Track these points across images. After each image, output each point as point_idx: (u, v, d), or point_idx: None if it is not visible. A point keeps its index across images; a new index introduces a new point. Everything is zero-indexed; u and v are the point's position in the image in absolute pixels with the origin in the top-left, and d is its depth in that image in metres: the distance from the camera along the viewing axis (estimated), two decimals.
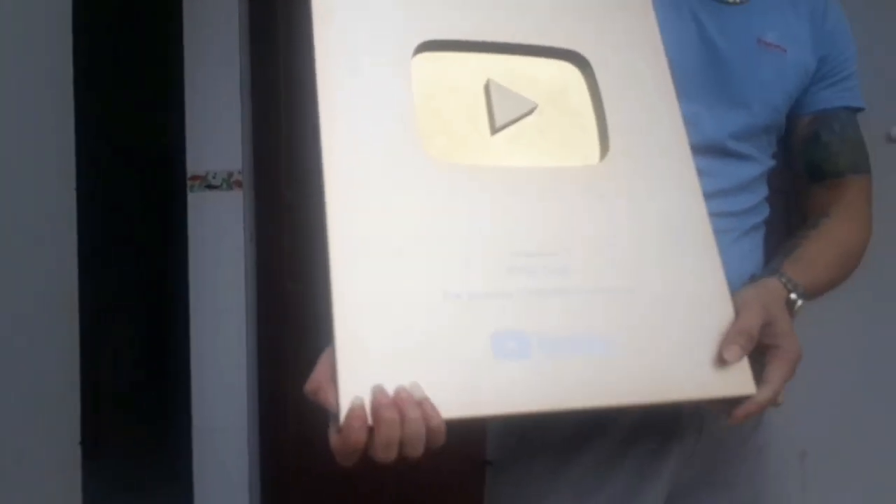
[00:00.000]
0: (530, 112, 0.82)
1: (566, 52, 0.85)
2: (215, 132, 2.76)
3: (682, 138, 0.86)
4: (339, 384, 0.67)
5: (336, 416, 0.67)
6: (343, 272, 0.69)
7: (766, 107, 1.03)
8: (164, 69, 3.18)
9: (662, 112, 0.86)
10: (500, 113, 0.81)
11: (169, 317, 3.44)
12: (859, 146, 1.10)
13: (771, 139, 1.07)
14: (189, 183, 2.77)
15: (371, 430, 0.66)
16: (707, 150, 0.95)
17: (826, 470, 2.18)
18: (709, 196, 0.84)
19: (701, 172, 0.85)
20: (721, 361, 0.77)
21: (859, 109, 1.10)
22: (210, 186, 2.75)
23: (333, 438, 0.67)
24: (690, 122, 0.87)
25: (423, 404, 0.66)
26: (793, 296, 0.90)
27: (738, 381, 0.77)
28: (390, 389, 0.67)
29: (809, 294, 0.91)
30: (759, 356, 0.80)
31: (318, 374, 0.70)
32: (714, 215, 0.84)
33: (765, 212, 1.07)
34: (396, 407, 0.66)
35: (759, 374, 0.79)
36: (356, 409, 0.66)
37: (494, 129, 0.80)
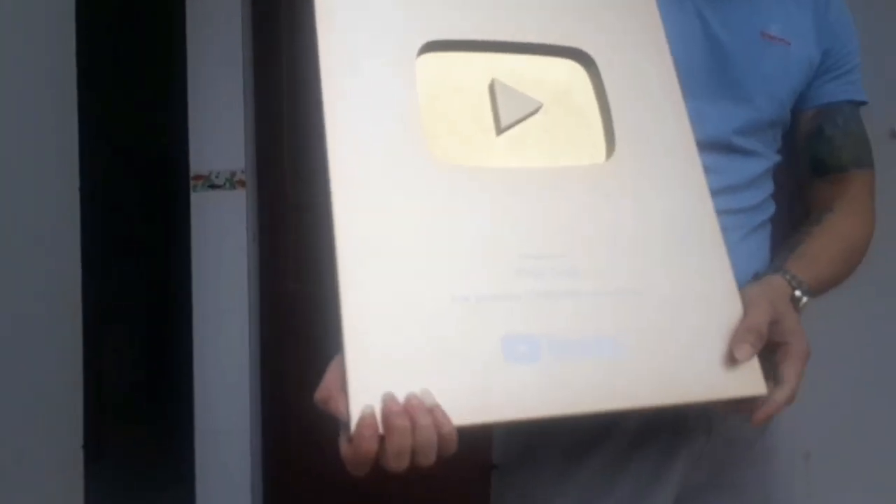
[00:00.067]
0: (536, 111, 0.81)
1: (571, 50, 0.85)
2: (218, 132, 2.76)
3: (689, 136, 0.85)
4: (348, 393, 0.66)
5: (347, 425, 0.66)
6: (351, 279, 0.69)
7: (770, 101, 1.02)
8: (167, 69, 3.18)
9: (668, 110, 0.86)
10: (506, 113, 0.80)
11: (171, 317, 3.44)
12: (863, 140, 1.10)
13: (776, 134, 1.07)
14: (192, 182, 2.77)
15: (382, 439, 0.65)
16: (712, 146, 0.94)
17: (830, 471, 2.17)
18: (715, 193, 0.84)
19: (707, 169, 0.85)
20: (732, 360, 0.76)
21: (862, 103, 1.10)
22: (213, 186, 2.75)
23: (344, 448, 0.66)
24: (695, 118, 0.87)
25: (434, 411, 0.65)
26: (797, 293, 0.89)
27: (748, 381, 0.76)
28: (401, 397, 0.66)
29: (814, 290, 0.91)
30: (770, 354, 0.79)
31: (327, 383, 0.69)
32: (721, 212, 0.83)
33: (771, 209, 1.07)
34: (407, 414, 0.65)
35: (767, 372, 0.78)
36: (367, 418, 0.64)
37: (500, 129, 0.80)
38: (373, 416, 0.65)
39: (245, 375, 2.75)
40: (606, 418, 0.82)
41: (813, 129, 1.08)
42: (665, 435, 0.96)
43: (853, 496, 2.25)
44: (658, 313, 0.76)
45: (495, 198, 0.76)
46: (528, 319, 0.72)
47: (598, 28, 0.86)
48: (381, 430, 0.65)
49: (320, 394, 0.69)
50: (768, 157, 1.06)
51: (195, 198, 2.77)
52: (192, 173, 2.77)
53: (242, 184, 2.74)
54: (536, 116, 0.81)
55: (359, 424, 0.65)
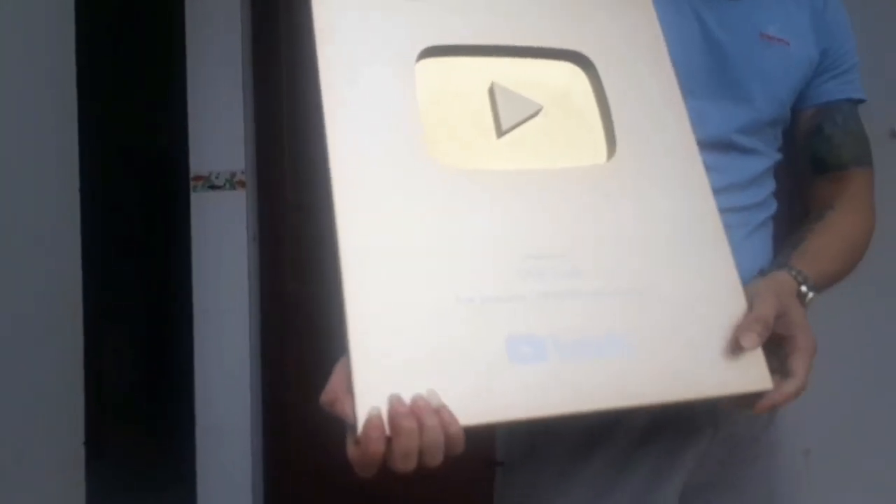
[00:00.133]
0: (536, 114, 0.82)
1: (570, 53, 0.85)
2: (218, 132, 2.76)
3: (689, 136, 0.85)
4: (354, 395, 0.66)
5: (353, 427, 0.66)
6: (355, 282, 0.69)
7: (771, 100, 1.03)
8: (167, 69, 3.18)
9: (668, 110, 0.86)
10: (506, 116, 0.80)
11: (172, 317, 3.45)
12: (862, 138, 1.10)
13: (776, 133, 1.07)
14: (192, 183, 2.77)
15: (389, 441, 0.65)
16: (714, 145, 0.95)
17: (830, 468, 2.18)
18: (717, 191, 0.84)
19: (708, 168, 0.85)
20: (738, 349, 0.76)
21: (861, 101, 1.11)
22: (213, 187, 2.75)
23: (351, 450, 0.66)
24: (696, 118, 0.87)
25: (440, 412, 0.65)
26: (803, 288, 0.89)
27: (754, 376, 0.77)
28: (407, 398, 0.66)
29: (818, 286, 0.91)
30: (776, 349, 0.80)
31: (333, 386, 0.69)
32: (723, 211, 0.84)
33: (772, 207, 1.08)
34: (414, 416, 0.65)
35: (774, 367, 0.78)
36: (373, 420, 0.64)
37: (500, 133, 0.80)
38: (379, 417, 0.65)
39: (245, 374, 2.76)
40: (611, 416, 0.83)
41: (812, 128, 1.09)
42: (671, 433, 0.96)
43: (852, 493, 2.26)
44: (662, 312, 0.76)
45: (497, 200, 0.76)
46: (532, 320, 0.72)
47: (597, 30, 0.87)
48: (387, 431, 0.65)
49: (326, 396, 0.69)
50: (769, 156, 1.06)
51: (195, 198, 2.78)
52: (191, 174, 2.77)
53: (242, 184, 2.75)
54: (536, 119, 0.82)
55: (366, 426, 0.65)
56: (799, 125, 1.09)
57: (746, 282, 0.82)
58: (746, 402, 0.78)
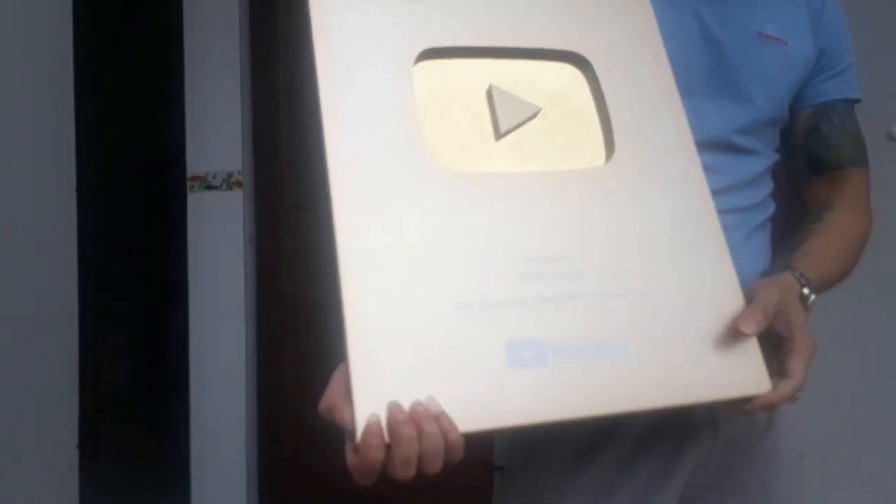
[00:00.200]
0: (534, 116, 0.81)
1: (568, 54, 0.85)
2: (215, 132, 2.76)
3: (687, 136, 0.85)
4: (353, 402, 0.65)
5: (352, 434, 0.65)
6: (353, 287, 0.68)
7: (769, 100, 1.03)
8: (164, 69, 3.18)
9: (666, 111, 0.86)
10: (504, 118, 0.80)
11: (168, 317, 3.44)
12: (859, 138, 1.10)
13: (775, 133, 1.07)
14: (189, 183, 2.77)
15: (388, 448, 0.64)
16: (713, 145, 0.95)
17: (828, 469, 2.17)
18: (716, 192, 0.84)
19: (707, 168, 0.85)
20: (738, 335, 0.76)
21: (857, 101, 1.11)
22: (210, 187, 2.75)
23: (350, 458, 0.66)
24: (695, 118, 0.87)
25: (439, 418, 0.65)
26: (805, 290, 0.89)
27: (753, 379, 0.77)
28: (406, 405, 0.65)
29: (818, 288, 0.91)
30: (775, 351, 0.80)
31: (331, 392, 0.68)
32: (722, 212, 0.83)
33: (771, 207, 1.08)
34: (413, 423, 0.64)
35: (773, 369, 0.78)
36: (372, 427, 0.64)
37: (499, 135, 0.80)
38: (378, 424, 0.64)
39: (241, 375, 2.75)
40: (612, 421, 0.83)
41: (809, 128, 1.09)
42: (670, 437, 0.96)
43: (851, 494, 2.26)
44: (661, 314, 0.76)
45: (496, 203, 0.76)
46: (532, 324, 0.71)
47: (595, 31, 0.87)
48: (387, 438, 0.64)
49: (325, 403, 0.68)
50: (768, 156, 1.06)
51: (192, 198, 2.77)
52: (188, 174, 2.77)
53: (239, 185, 2.74)
54: (535, 121, 0.81)
55: (364, 434, 0.64)
56: (796, 125, 1.09)
57: (746, 284, 0.82)
58: (746, 404, 0.77)
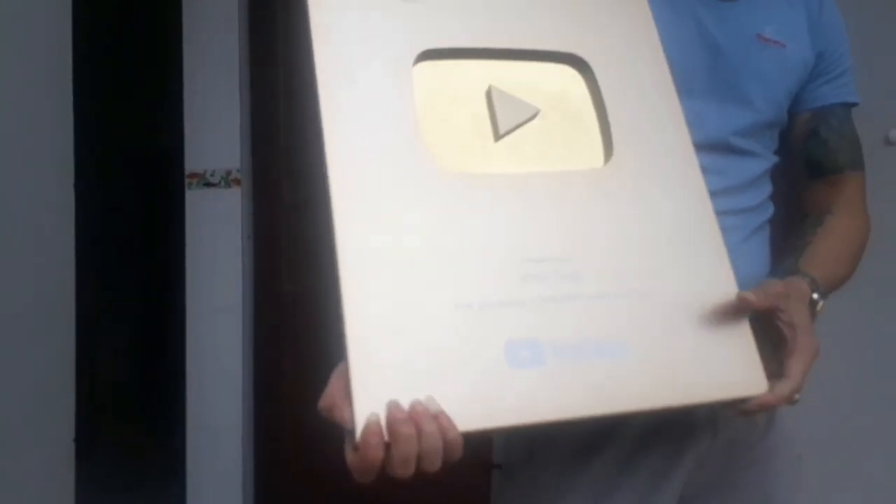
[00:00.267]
0: (533, 117, 0.82)
1: (567, 55, 0.85)
2: (214, 130, 2.75)
3: (686, 138, 0.86)
4: (353, 401, 0.65)
5: (352, 433, 0.65)
6: (353, 287, 0.69)
7: (768, 102, 1.03)
8: (163, 67, 3.17)
9: (664, 112, 0.86)
10: (503, 119, 0.80)
11: (165, 315, 3.44)
12: (856, 142, 1.11)
13: (773, 135, 1.07)
14: (187, 180, 2.76)
15: (388, 446, 0.65)
16: (712, 147, 0.95)
17: (824, 473, 2.18)
18: (715, 194, 0.84)
19: (706, 170, 0.85)
20: (741, 305, 0.78)
21: (855, 104, 1.11)
22: (208, 184, 2.75)
23: (350, 456, 0.66)
24: (694, 119, 0.87)
25: (439, 418, 0.65)
26: (815, 295, 0.90)
27: (751, 380, 0.77)
28: (405, 404, 0.65)
29: (825, 293, 0.92)
30: (776, 353, 0.80)
31: (331, 391, 0.68)
32: (722, 213, 0.84)
33: (770, 210, 1.08)
34: (412, 422, 0.64)
35: (774, 371, 0.79)
36: (372, 426, 0.64)
37: (498, 136, 0.80)
38: (378, 423, 0.65)
39: (238, 373, 2.75)
40: (611, 421, 0.83)
41: (808, 132, 1.09)
42: (670, 437, 0.96)
43: (850, 496, 2.26)
44: (660, 315, 0.76)
45: (495, 203, 0.76)
46: (531, 324, 0.72)
47: (593, 33, 0.87)
48: (386, 437, 0.65)
49: (324, 402, 0.68)
50: (767, 158, 1.06)
51: (190, 196, 2.77)
52: (187, 171, 2.76)
53: (238, 182, 2.74)
54: (534, 122, 0.82)
55: (364, 433, 0.64)
56: (794, 129, 1.10)
57: (744, 286, 0.82)
58: (743, 405, 0.78)
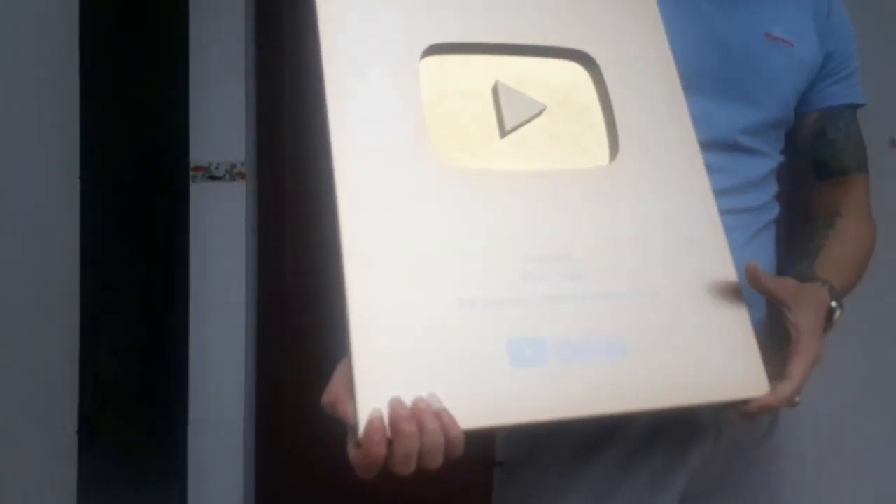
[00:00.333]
0: (539, 114, 0.82)
1: (573, 52, 0.85)
2: (219, 123, 2.75)
3: (691, 136, 0.86)
4: (356, 397, 0.66)
5: (354, 429, 0.66)
6: (357, 283, 0.69)
7: (776, 101, 1.03)
8: (169, 60, 3.18)
9: (670, 111, 0.86)
10: (509, 115, 0.80)
11: (169, 307, 3.44)
12: (862, 144, 1.11)
13: (779, 134, 1.07)
14: (192, 173, 2.76)
15: (390, 443, 0.65)
16: (718, 145, 0.95)
17: (826, 473, 2.18)
18: (721, 193, 0.84)
19: (713, 169, 0.85)
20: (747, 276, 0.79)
21: (861, 106, 1.11)
22: (213, 177, 2.75)
23: (353, 453, 0.66)
24: (701, 118, 0.87)
25: (441, 415, 0.65)
26: (834, 304, 0.90)
27: (752, 382, 0.77)
28: (408, 401, 0.66)
29: (842, 301, 0.92)
30: (779, 353, 0.80)
31: (334, 387, 0.69)
32: (727, 212, 0.84)
33: (775, 209, 1.08)
34: (415, 419, 0.65)
35: (777, 374, 0.79)
36: (375, 423, 0.65)
37: (504, 132, 0.80)
38: (381, 420, 0.65)
39: (241, 366, 2.76)
40: (613, 420, 0.83)
41: (815, 133, 1.09)
42: (673, 437, 0.96)
43: (844, 498, 2.26)
44: (663, 315, 0.76)
45: (500, 200, 0.76)
46: (534, 323, 0.72)
47: (600, 30, 0.87)
48: (388, 434, 0.65)
49: (327, 398, 0.69)
50: (773, 158, 1.06)
51: (195, 189, 2.77)
52: (192, 164, 2.77)
53: (242, 175, 2.74)
54: (540, 119, 0.82)
55: (367, 429, 0.65)
56: (801, 129, 1.10)
57: (748, 286, 0.82)
58: (744, 406, 0.78)
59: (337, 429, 0.70)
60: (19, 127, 1.95)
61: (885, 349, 2.30)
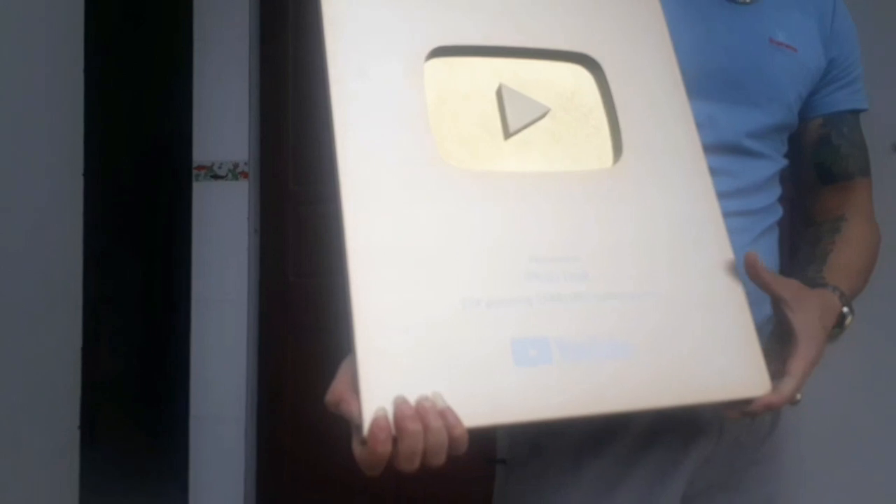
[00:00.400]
0: (543, 116, 0.82)
1: (577, 55, 0.85)
2: (222, 122, 2.76)
3: (695, 139, 0.86)
4: (361, 395, 0.66)
5: (359, 427, 0.66)
6: (362, 283, 0.69)
7: (779, 106, 1.03)
8: (173, 59, 3.18)
9: (674, 114, 0.86)
10: (513, 117, 0.81)
11: (170, 306, 3.45)
12: (865, 149, 1.12)
13: (783, 138, 1.08)
14: (195, 172, 2.77)
15: (395, 441, 0.65)
16: (724, 149, 0.96)
17: (826, 473, 2.18)
18: (726, 195, 0.85)
19: (718, 172, 0.86)
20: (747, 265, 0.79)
21: (864, 110, 1.12)
22: (216, 176, 2.75)
23: (358, 451, 0.67)
24: (706, 121, 0.88)
25: (445, 414, 0.66)
26: (845, 309, 0.90)
27: (754, 381, 0.78)
28: (412, 399, 0.66)
29: (850, 303, 0.92)
30: (781, 352, 0.81)
31: (338, 385, 0.69)
32: (732, 215, 0.84)
33: (779, 212, 1.08)
34: (419, 418, 0.65)
35: (779, 373, 0.79)
36: (380, 421, 0.65)
37: (508, 134, 0.80)
38: (386, 419, 0.65)
39: (242, 364, 2.76)
40: (616, 419, 0.83)
41: (819, 138, 1.10)
42: (675, 435, 0.97)
43: (844, 498, 2.26)
44: (666, 316, 0.77)
45: (504, 202, 0.76)
46: (538, 322, 0.72)
47: (605, 33, 0.87)
48: (393, 432, 0.65)
49: (331, 396, 0.69)
50: (777, 161, 1.07)
51: (197, 188, 2.78)
52: (194, 163, 2.77)
53: (245, 175, 2.75)
54: (544, 121, 0.82)
55: (372, 427, 0.65)
56: (805, 134, 1.10)
57: (752, 287, 0.83)
58: (747, 406, 0.78)
59: (339, 427, 0.70)
60: (23, 125, 1.95)
61: (886, 351, 2.31)
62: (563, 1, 0.87)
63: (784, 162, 1.08)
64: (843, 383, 2.15)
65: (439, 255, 0.72)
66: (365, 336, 0.68)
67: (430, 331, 0.69)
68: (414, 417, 0.65)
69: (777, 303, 0.84)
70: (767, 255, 1.04)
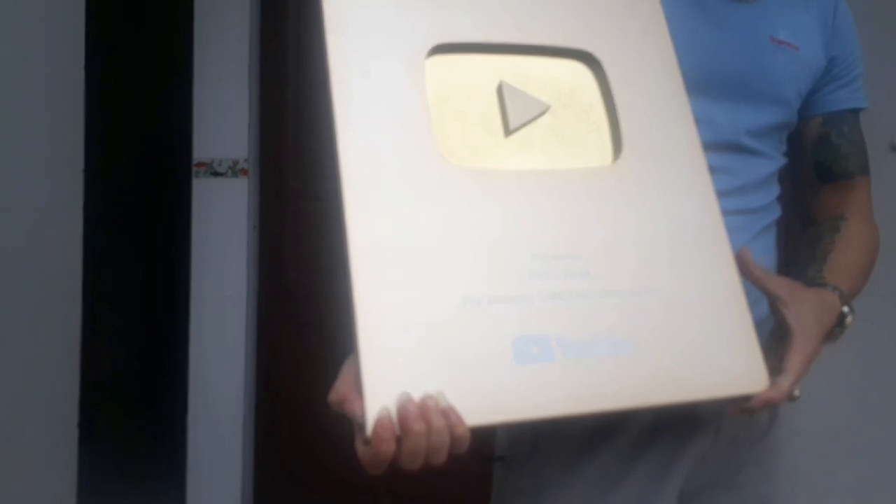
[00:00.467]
0: (543, 113, 0.82)
1: (577, 52, 0.86)
2: (222, 119, 2.76)
3: (694, 137, 0.86)
4: (364, 395, 0.66)
5: (363, 426, 0.66)
6: (364, 280, 0.69)
7: (780, 104, 1.03)
8: (173, 56, 3.18)
9: (674, 111, 0.87)
10: (514, 115, 0.81)
11: (170, 303, 3.45)
12: (864, 147, 1.12)
13: (782, 136, 1.08)
14: (194, 169, 2.77)
15: (398, 440, 0.66)
16: (723, 147, 0.96)
17: (825, 472, 2.19)
18: (726, 193, 0.85)
19: (717, 169, 0.86)
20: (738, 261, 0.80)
21: (864, 109, 1.12)
22: (215, 173, 2.75)
23: (361, 450, 0.67)
24: (706, 119, 0.88)
25: (447, 413, 0.66)
26: (845, 309, 0.91)
27: (753, 377, 0.78)
28: (415, 398, 0.66)
29: (850, 302, 0.93)
30: (778, 347, 0.81)
31: (341, 385, 0.69)
32: (731, 213, 0.84)
33: (777, 211, 1.08)
34: (423, 417, 0.65)
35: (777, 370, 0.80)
36: (384, 420, 0.65)
37: (508, 131, 0.80)
38: (389, 418, 0.65)
39: (241, 362, 2.76)
40: (616, 416, 0.84)
41: (819, 137, 1.10)
42: (673, 432, 0.97)
43: (843, 498, 2.27)
44: (666, 313, 0.77)
45: (505, 199, 0.76)
46: (539, 320, 0.73)
47: (605, 30, 0.87)
48: (398, 431, 0.65)
49: (335, 395, 0.69)
50: (776, 159, 1.07)
51: (197, 185, 2.77)
52: (194, 160, 2.77)
53: (245, 172, 2.75)
54: (544, 118, 0.82)
55: (376, 427, 0.65)
56: (805, 133, 1.10)
57: (749, 285, 0.83)
58: (746, 402, 0.79)
59: (338, 425, 0.70)
60: (23, 123, 1.95)
61: (886, 351, 2.31)
62: None
63: (783, 160, 1.08)
64: (842, 383, 2.15)
65: (441, 253, 0.72)
66: (367, 335, 0.68)
67: (432, 329, 0.69)
68: (418, 417, 0.65)
69: (772, 300, 0.84)
70: (765, 253, 1.04)
